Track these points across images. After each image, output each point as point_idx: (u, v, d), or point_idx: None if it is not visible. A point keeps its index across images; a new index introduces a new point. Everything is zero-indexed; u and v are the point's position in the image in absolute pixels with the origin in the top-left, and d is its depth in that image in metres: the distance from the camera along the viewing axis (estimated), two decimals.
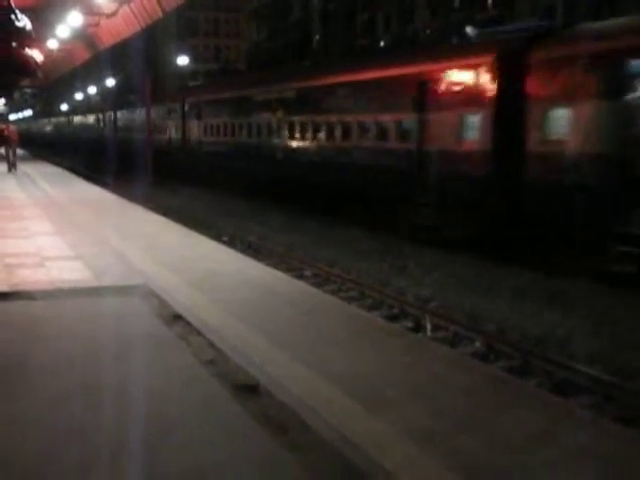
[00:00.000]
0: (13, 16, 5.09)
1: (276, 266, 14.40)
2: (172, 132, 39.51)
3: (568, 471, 4.48)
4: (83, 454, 4.65)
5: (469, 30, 19.19)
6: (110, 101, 50.36)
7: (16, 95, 54.86)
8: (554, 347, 10.20)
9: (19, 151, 36.53)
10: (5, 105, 43.06)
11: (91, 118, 60.06)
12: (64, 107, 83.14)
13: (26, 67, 6.17)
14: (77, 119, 67.69)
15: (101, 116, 55.65)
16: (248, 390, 5.74)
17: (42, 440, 4.85)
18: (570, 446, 4.77)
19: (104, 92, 61.00)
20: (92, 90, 72.30)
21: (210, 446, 4.82)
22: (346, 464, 4.57)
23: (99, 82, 64.94)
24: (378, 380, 5.98)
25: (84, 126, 62.37)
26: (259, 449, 4.80)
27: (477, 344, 10.44)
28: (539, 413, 5.33)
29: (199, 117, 35.28)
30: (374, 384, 5.88)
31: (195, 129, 35.81)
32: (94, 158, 47.93)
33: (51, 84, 67.81)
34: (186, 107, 37.02)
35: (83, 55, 49.44)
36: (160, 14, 31.00)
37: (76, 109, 68.05)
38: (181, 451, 4.73)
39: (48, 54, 36.96)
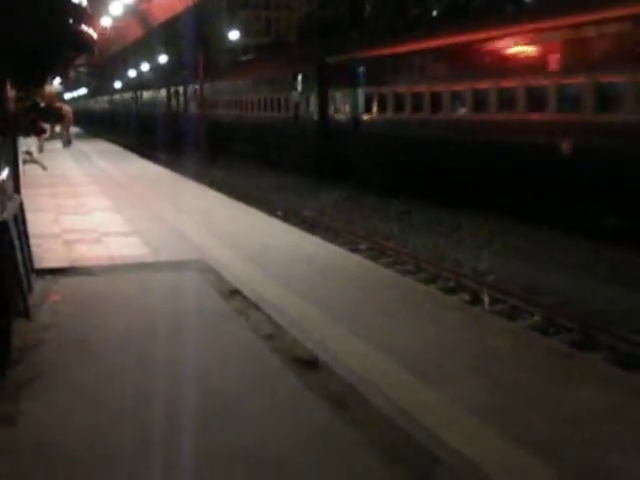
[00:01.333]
0: None
1: (331, 240, 14.36)
2: (294, 108, 29.61)
3: (635, 446, 4.37)
4: (140, 429, 4.69)
5: None
6: (185, 75, 46.99)
7: (71, 74, 55.58)
8: (617, 321, 9.96)
9: (75, 129, 37.19)
10: (61, 84, 43.62)
11: (158, 94, 58.42)
12: (118, 84, 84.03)
13: (82, 44, 6.22)
14: (143, 95, 67.38)
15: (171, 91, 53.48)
16: (307, 365, 5.73)
17: (97, 416, 4.91)
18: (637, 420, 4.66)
19: (170, 67, 60.75)
20: (146, 67, 72.84)
21: (270, 421, 4.83)
22: (406, 438, 4.53)
23: (156, 58, 65.23)
24: (437, 354, 5.91)
25: (154, 102, 58.46)
26: (320, 424, 4.79)
27: (536, 317, 10.26)
28: (604, 388, 5.21)
29: (358, 84, 24.15)
30: (433, 358, 5.81)
31: (347, 103, 24.95)
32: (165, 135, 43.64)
33: (105, 62, 68.53)
34: (327, 71, 26.57)
35: (136, 32, 49.77)
36: None
37: (143, 84, 67.91)
38: (241, 426, 4.75)
39: (102, 31, 37.29)
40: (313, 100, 27.76)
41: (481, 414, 4.75)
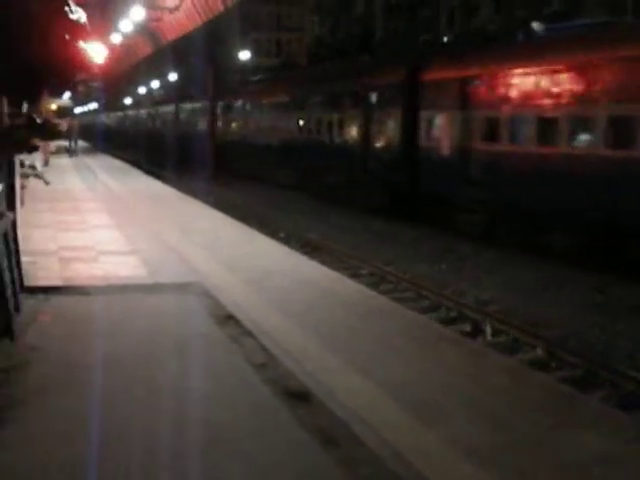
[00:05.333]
0: (67, 8, 5.02)
1: (332, 264, 14.19)
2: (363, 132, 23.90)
3: None
4: (131, 459, 4.51)
5: (535, 25, 18.57)
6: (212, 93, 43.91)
7: (81, 89, 55.74)
8: (620, 358, 9.75)
9: (83, 144, 37.32)
10: (70, 99, 43.79)
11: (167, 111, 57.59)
12: (128, 101, 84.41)
13: (78, 61, 6.11)
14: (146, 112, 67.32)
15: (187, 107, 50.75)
16: (299, 398, 5.54)
17: (74, 447, 4.72)
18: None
19: (180, 84, 60.76)
20: (155, 84, 73.19)
21: (258, 457, 4.63)
22: None
23: (170, 74, 65.44)
24: (435, 392, 5.71)
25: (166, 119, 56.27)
26: (308, 462, 4.59)
27: (538, 351, 10.05)
28: (605, 433, 4.99)
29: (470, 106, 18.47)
30: (431, 396, 5.61)
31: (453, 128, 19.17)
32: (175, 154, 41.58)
33: (114, 78, 68.82)
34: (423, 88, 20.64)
35: (145, 50, 49.97)
36: (222, 9, 31.04)
37: (152, 101, 68.04)
38: (229, 459, 4.58)
39: (111, 48, 37.40)
40: (392, 124, 22.26)
41: (478, 458, 4.55)
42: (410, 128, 20.98)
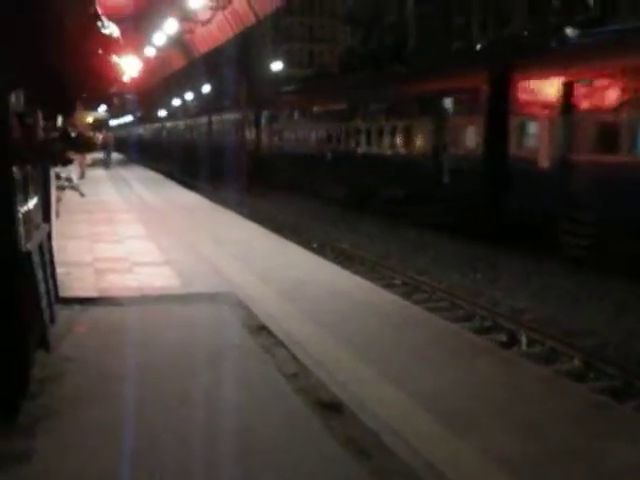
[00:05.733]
0: (99, 23, 5.06)
1: (365, 274, 14.16)
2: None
3: None
4: (164, 469, 4.53)
5: (569, 32, 18.36)
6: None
7: (116, 101, 56.35)
8: None
9: (118, 156, 37.87)
10: (106, 111, 44.28)
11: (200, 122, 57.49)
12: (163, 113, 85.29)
13: (110, 75, 6.18)
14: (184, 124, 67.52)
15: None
16: (331, 409, 5.52)
17: (110, 457, 4.74)
18: None
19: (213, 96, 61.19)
20: (189, 96, 73.95)
21: (291, 466, 4.63)
22: None
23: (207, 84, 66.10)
24: (469, 403, 5.66)
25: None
26: (341, 473, 4.58)
27: (575, 361, 9.90)
28: None
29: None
30: (464, 407, 5.56)
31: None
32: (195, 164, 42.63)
33: (149, 90, 69.66)
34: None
35: (179, 62, 50.52)
36: (253, 20, 31.21)
37: (185, 113, 68.61)
38: (262, 469, 4.59)
39: (145, 61, 37.84)
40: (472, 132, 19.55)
41: (511, 467, 4.49)
42: (495, 136, 18.19)
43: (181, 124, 67.70)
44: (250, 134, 39.96)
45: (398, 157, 23.60)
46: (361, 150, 26.42)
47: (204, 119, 55.12)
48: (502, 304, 12.74)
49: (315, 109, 32.03)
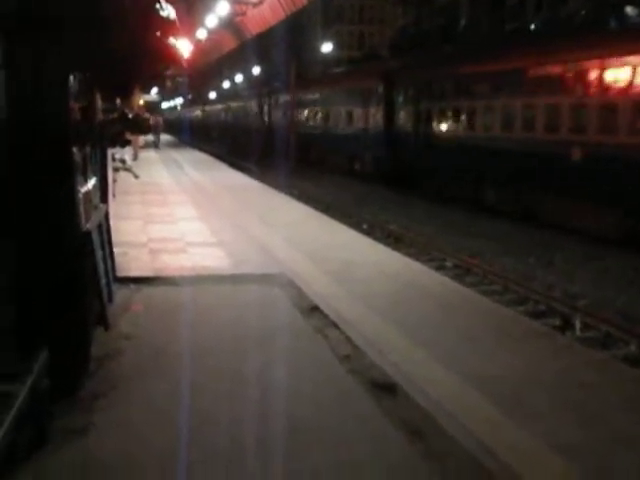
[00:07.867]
0: (157, 5, 5.12)
1: (416, 256, 14.12)
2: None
3: None
4: (217, 444, 4.61)
5: (629, 10, 17.88)
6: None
7: (168, 84, 56.92)
8: None
9: (169, 137, 38.25)
10: (158, 94, 44.73)
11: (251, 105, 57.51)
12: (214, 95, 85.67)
13: (168, 56, 6.22)
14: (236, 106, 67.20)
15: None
16: (384, 389, 5.54)
17: (166, 432, 4.84)
18: None
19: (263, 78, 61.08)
20: (239, 78, 74.04)
21: (344, 447, 4.66)
22: (487, 477, 4.29)
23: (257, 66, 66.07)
24: (521, 386, 5.62)
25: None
26: (394, 454, 4.60)
27: (632, 347, 9.76)
28: None
29: None
30: (517, 390, 5.53)
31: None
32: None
33: (200, 72, 70.03)
34: None
35: (230, 44, 50.65)
36: (305, 2, 31.08)
37: (235, 95, 68.50)
38: (313, 448, 4.63)
39: (197, 43, 38.05)
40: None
41: (568, 454, 4.46)
42: None
43: (230, 106, 67.94)
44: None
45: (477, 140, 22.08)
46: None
47: (254, 101, 55.10)
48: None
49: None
